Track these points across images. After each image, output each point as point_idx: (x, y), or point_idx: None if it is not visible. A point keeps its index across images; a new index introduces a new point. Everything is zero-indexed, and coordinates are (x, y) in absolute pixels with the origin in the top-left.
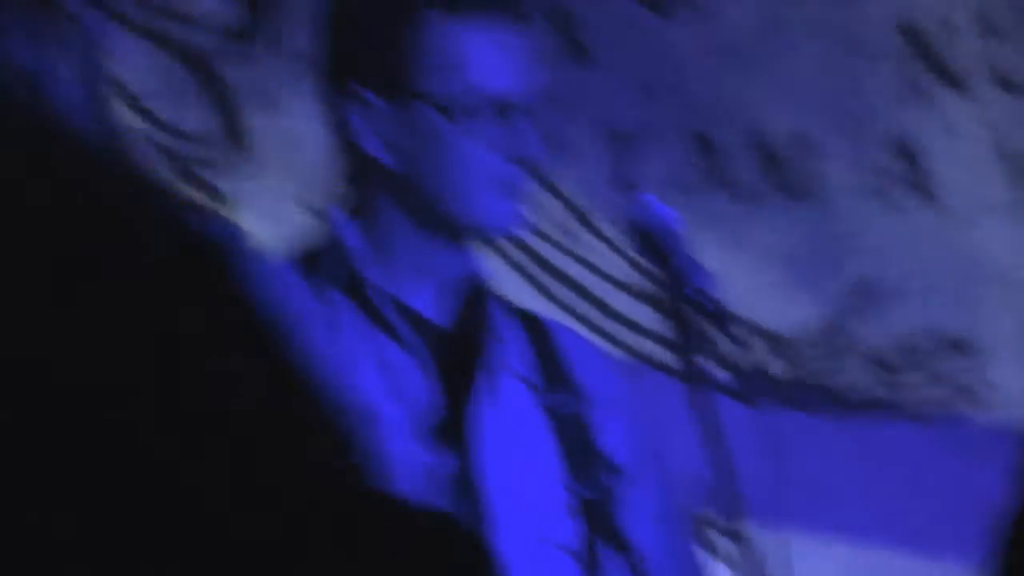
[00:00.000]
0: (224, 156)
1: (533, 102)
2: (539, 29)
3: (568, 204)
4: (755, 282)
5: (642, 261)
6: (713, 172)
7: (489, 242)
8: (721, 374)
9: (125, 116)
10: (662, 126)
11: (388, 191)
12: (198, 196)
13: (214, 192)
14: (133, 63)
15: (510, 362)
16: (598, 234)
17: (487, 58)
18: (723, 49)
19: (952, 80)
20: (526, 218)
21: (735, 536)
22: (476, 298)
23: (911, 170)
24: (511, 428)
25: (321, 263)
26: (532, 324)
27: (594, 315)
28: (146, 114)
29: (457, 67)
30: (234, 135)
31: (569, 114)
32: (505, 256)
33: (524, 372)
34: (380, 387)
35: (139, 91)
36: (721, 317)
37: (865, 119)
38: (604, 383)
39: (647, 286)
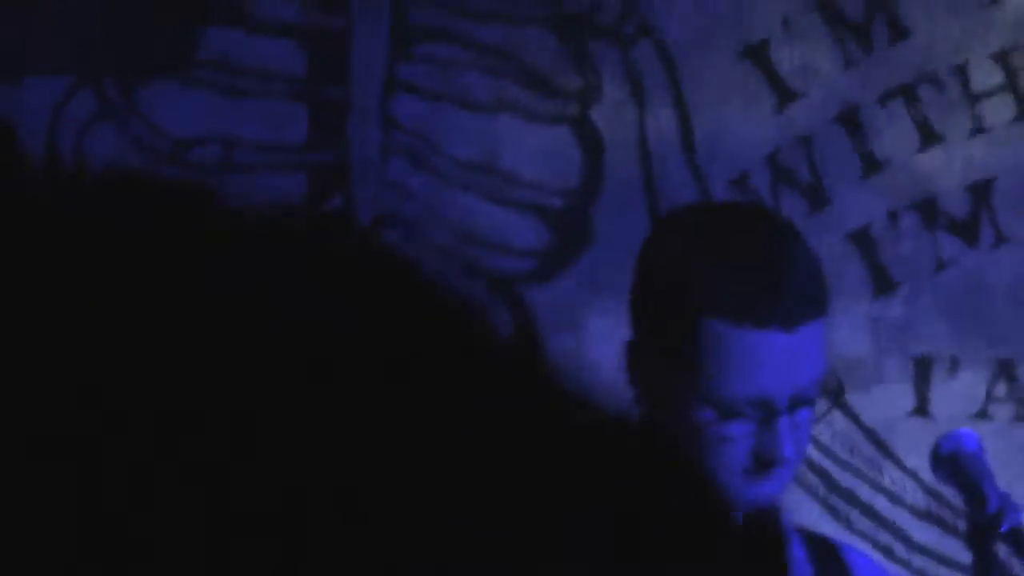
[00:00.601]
0: None
1: (790, 400)
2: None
3: (869, 433)
4: None
5: (943, 489)
6: (1016, 400)
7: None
8: None
9: None
10: (966, 354)
11: None
12: None
13: None
14: (437, 285)
15: None
16: (899, 462)
17: (756, 364)
18: None
19: None
20: (781, 493)
21: None
22: (764, 524)
23: None
24: None
25: None
26: (820, 548)
27: (893, 543)
28: None
29: (730, 372)
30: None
31: (870, 342)
32: (803, 484)
33: None
34: None
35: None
36: (1022, 544)
37: None
38: None
39: (947, 514)
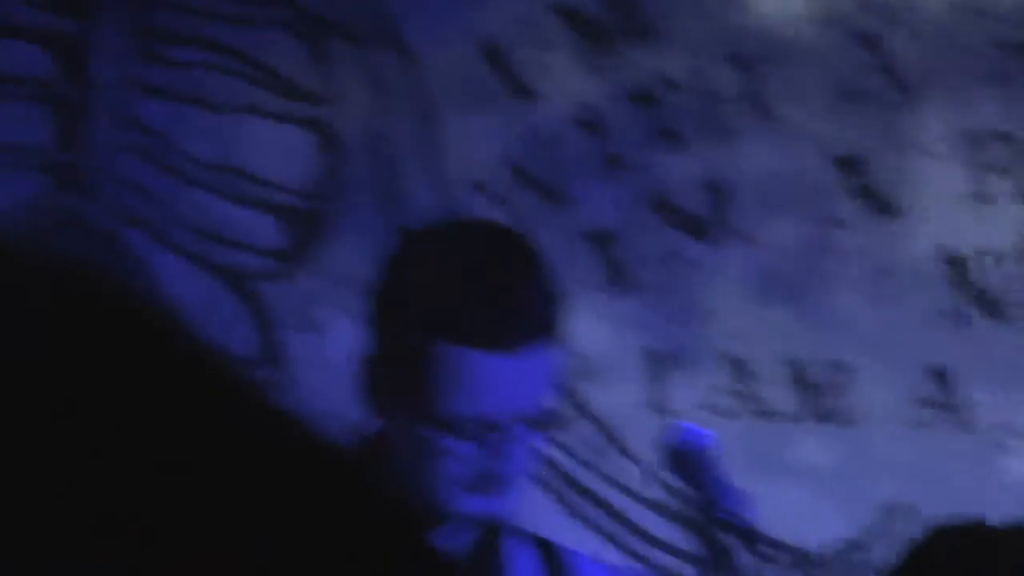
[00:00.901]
0: (261, 375)
1: (513, 420)
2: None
3: (601, 425)
4: (785, 502)
5: (673, 481)
6: (747, 395)
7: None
8: None
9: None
10: (698, 349)
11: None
12: None
13: None
14: (177, 283)
15: None
16: (630, 455)
17: (478, 384)
18: (763, 275)
19: (991, 307)
20: (505, 510)
21: None
22: (490, 532)
23: (945, 395)
24: None
25: None
26: (548, 553)
27: (628, 537)
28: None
29: (452, 391)
30: (271, 355)
31: (605, 337)
32: (538, 480)
33: None
34: None
35: (183, 310)
36: (750, 536)
37: (902, 345)
38: None
39: (677, 506)
